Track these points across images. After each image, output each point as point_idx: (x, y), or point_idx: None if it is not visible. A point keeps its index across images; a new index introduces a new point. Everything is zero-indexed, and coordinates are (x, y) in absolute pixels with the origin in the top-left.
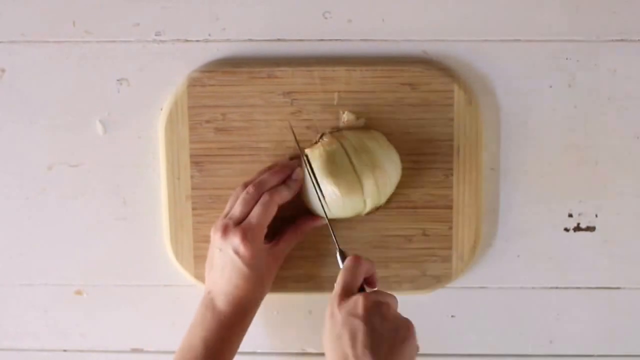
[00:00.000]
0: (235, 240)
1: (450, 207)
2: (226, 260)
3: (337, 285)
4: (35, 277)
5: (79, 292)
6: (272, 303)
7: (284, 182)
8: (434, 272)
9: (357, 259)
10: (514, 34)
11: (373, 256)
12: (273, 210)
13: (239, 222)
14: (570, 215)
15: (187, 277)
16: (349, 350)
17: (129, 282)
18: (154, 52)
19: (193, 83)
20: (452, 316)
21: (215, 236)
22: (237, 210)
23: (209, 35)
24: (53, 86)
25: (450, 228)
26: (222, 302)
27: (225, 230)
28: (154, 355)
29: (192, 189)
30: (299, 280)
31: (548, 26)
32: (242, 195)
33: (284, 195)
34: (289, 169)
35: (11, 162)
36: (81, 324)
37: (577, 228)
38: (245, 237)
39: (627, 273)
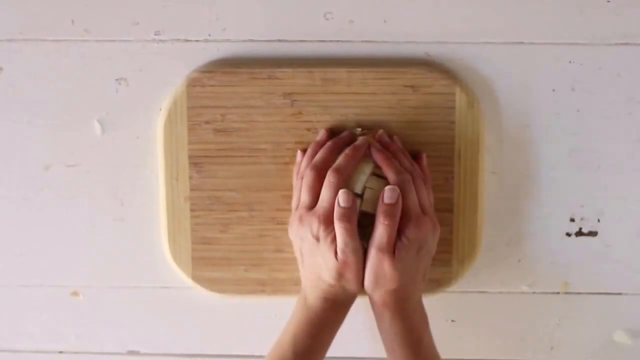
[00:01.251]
0: (314, 224)
1: (451, 211)
2: (311, 248)
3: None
4: (31, 278)
5: (75, 294)
6: (272, 306)
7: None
8: (433, 276)
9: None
10: (517, 37)
11: None
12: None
13: (312, 209)
14: (572, 220)
15: (184, 279)
16: None
17: (126, 284)
18: (154, 52)
19: (192, 83)
20: (452, 321)
21: (293, 229)
22: (305, 198)
23: (209, 35)
24: (51, 85)
25: (451, 232)
26: (312, 295)
27: (301, 219)
28: (151, 357)
29: (191, 190)
30: (299, 283)
31: (551, 29)
32: (305, 182)
33: (347, 168)
34: (343, 141)
35: (8, 162)
36: (77, 325)
37: (579, 233)
38: (323, 219)
39: (629, 278)
